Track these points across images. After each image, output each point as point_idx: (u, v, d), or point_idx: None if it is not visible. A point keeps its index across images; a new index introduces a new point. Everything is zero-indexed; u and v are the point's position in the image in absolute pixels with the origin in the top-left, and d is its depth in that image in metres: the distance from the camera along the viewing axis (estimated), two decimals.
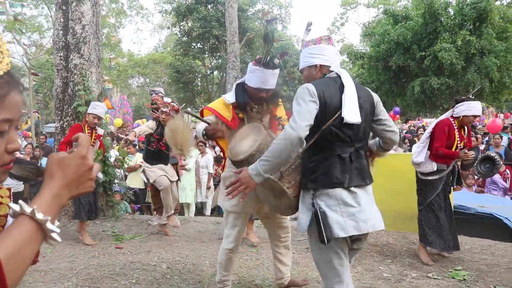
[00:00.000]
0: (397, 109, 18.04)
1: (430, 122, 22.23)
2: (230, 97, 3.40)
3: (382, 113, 2.59)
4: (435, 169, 4.75)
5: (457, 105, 4.78)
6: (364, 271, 4.55)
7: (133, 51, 42.47)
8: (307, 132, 2.27)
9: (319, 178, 2.37)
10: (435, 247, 4.79)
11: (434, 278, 4.30)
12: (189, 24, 27.98)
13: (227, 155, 3.28)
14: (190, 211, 9.08)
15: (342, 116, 2.33)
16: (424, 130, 14.62)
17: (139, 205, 9.53)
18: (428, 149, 4.79)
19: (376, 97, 2.59)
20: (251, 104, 3.30)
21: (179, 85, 29.45)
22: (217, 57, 30.37)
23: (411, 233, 5.88)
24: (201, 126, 3.33)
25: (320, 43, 2.57)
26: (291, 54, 24.71)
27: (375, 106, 2.55)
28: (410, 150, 10.87)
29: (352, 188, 2.37)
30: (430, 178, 4.78)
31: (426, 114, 23.69)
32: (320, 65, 2.54)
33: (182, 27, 28.63)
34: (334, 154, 2.38)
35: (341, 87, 2.41)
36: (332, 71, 2.52)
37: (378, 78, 20.63)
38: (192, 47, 29.21)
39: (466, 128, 4.90)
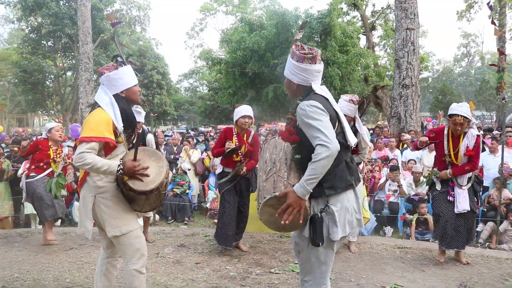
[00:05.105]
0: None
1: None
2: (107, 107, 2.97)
3: None
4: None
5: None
6: (211, 271, 4.75)
7: None
8: None
9: (336, 183, 2.48)
10: None
11: (276, 273, 4.67)
12: (39, 20, 25.87)
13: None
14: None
15: (342, 127, 2.60)
16: None
17: None
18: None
19: None
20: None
21: (27, 85, 27.02)
22: (70, 57, 28.56)
23: (258, 232, 6.29)
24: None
25: (303, 62, 2.57)
26: (149, 57, 24.29)
27: None
28: None
29: (356, 188, 2.63)
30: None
31: (281, 118, 25.12)
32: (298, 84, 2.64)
33: (30, 23, 26.33)
34: (342, 159, 2.54)
35: (327, 101, 2.57)
36: (314, 89, 2.61)
37: (235, 84, 21.32)
38: (42, 45, 27.08)
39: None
